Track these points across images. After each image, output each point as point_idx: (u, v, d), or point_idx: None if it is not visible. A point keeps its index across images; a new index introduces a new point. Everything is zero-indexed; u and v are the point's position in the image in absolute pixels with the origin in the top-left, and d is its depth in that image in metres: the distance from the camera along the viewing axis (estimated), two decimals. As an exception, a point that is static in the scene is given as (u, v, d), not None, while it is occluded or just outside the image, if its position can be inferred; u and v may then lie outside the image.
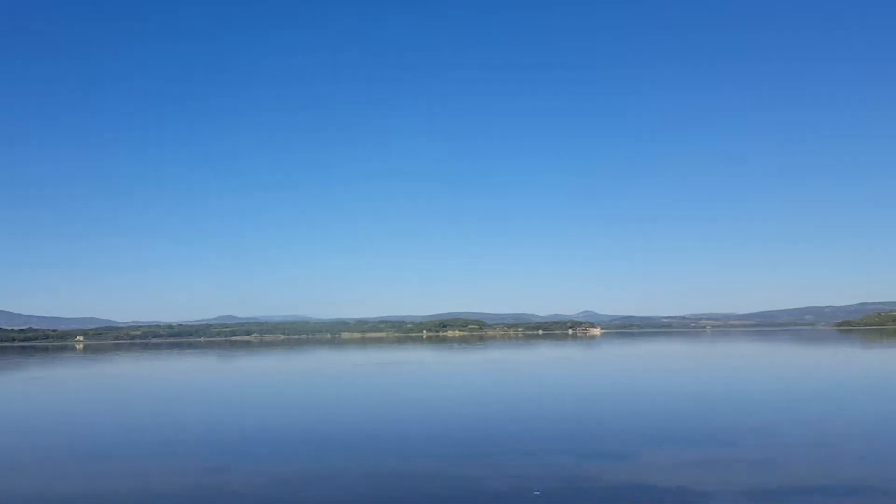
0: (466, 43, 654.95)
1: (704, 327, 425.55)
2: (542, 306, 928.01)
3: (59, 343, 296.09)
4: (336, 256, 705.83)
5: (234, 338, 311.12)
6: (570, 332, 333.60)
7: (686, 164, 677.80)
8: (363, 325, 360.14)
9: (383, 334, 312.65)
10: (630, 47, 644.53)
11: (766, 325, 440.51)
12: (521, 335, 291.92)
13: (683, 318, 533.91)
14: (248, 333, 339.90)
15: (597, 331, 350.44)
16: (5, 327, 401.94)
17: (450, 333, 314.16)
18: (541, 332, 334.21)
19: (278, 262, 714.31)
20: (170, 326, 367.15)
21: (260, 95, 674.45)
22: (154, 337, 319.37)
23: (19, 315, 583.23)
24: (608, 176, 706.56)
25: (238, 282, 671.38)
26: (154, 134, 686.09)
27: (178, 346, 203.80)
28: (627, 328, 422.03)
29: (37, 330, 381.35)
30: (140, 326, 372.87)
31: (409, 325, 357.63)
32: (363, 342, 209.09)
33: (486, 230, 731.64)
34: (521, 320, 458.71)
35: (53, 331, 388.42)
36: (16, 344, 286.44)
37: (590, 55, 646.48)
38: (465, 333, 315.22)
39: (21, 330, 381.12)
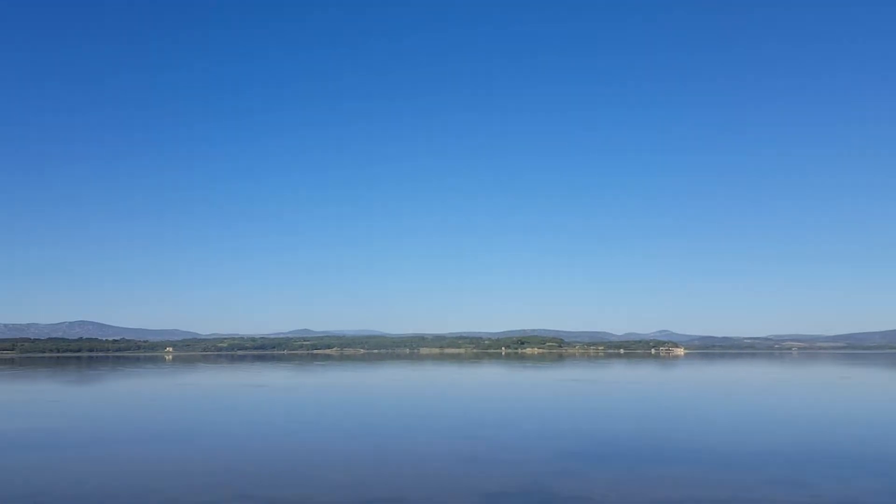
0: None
1: (790, 349, 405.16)
2: (617, 325, 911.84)
3: (150, 354, 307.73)
4: (409, 272, 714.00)
5: (315, 351, 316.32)
6: (653, 351, 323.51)
7: (770, 180, 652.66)
8: (441, 341, 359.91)
9: (461, 350, 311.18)
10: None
11: (857, 349, 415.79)
12: (601, 354, 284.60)
13: (766, 339, 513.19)
14: (329, 347, 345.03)
15: (680, 351, 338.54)
16: (101, 338, 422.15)
17: (528, 351, 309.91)
18: (622, 351, 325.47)
19: (351, 277, 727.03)
20: (252, 339, 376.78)
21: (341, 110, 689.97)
22: (239, 349, 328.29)
23: (110, 326, 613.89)
24: (687, 194, 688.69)
25: (313, 296, 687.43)
26: (236, 150, 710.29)
27: (263, 358, 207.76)
28: (709, 349, 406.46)
29: (129, 341, 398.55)
30: (224, 338, 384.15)
31: (486, 342, 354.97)
32: (441, 357, 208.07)
33: (558, 246, 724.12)
34: (595, 338, 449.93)
35: (144, 341, 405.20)
36: (110, 354, 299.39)
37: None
38: (544, 351, 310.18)
39: (114, 340, 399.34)
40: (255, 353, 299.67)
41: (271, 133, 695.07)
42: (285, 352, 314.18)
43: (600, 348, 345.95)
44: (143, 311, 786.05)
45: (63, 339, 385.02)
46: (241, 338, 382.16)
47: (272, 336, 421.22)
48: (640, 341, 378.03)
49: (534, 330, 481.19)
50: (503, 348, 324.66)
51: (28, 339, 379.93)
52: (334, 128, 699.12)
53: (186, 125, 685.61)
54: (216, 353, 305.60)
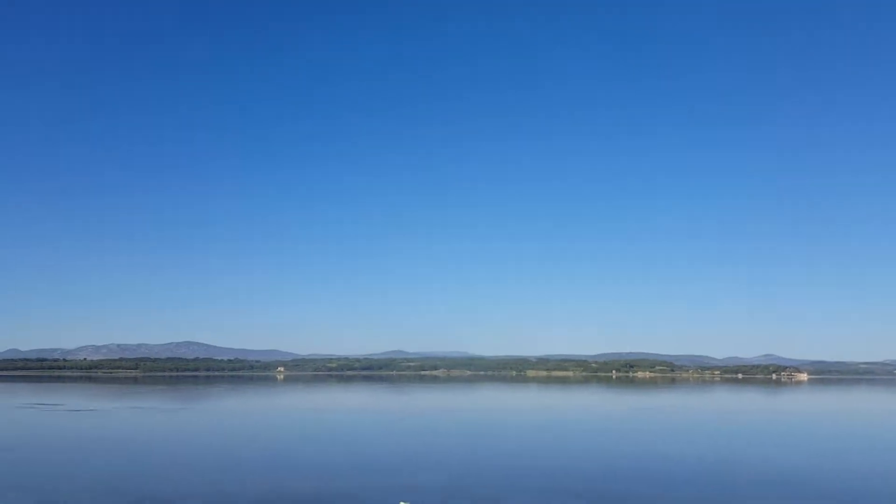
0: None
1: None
2: (718, 348, 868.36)
3: (261, 373, 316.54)
4: (502, 294, 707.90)
5: (422, 372, 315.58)
6: (774, 377, 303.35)
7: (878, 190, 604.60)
8: (546, 364, 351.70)
9: (569, 373, 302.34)
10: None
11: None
12: (717, 379, 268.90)
13: (884, 363, 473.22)
14: (435, 368, 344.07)
15: (804, 377, 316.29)
16: (215, 357, 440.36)
17: (639, 374, 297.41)
18: (740, 376, 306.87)
19: (443, 298, 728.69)
20: (358, 360, 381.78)
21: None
22: (348, 370, 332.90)
23: (215, 347, 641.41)
24: (790, 209, 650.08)
25: (404, 318, 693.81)
26: (330, 171, 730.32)
27: (371, 379, 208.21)
28: (823, 374, 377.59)
29: (241, 360, 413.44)
30: (333, 359, 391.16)
31: (593, 365, 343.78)
32: (549, 380, 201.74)
33: (654, 267, 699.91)
34: (696, 362, 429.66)
35: (256, 361, 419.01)
36: (225, 374, 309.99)
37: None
38: (656, 375, 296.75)
39: (229, 360, 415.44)
40: (364, 373, 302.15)
41: (367, 154, 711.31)
42: (393, 373, 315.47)
43: (716, 373, 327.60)
44: (245, 332, 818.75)
45: (181, 359, 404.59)
46: (348, 358, 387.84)
47: (367, 357, 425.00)
48: (761, 367, 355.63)
49: (630, 353, 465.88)
50: (613, 372, 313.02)
51: (149, 359, 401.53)
52: (429, 148, 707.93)
53: (286, 146, 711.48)
54: (326, 373, 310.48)
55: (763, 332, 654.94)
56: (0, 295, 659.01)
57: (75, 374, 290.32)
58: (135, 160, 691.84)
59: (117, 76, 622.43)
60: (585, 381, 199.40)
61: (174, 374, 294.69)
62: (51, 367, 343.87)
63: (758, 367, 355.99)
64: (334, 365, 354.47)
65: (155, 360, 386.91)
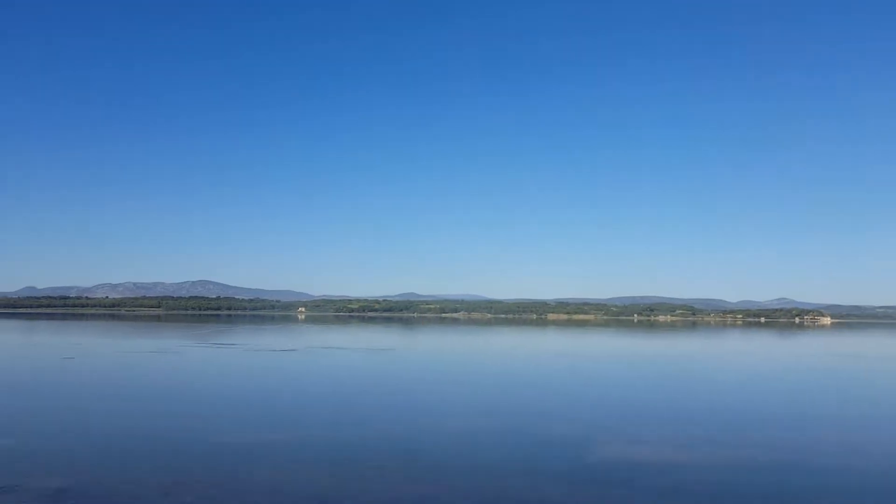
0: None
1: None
2: (731, 292, 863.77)
3: (283, 313, 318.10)
4: (516, 239, 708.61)
5: (443, 315, 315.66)
6: (797, 321, 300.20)
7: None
8: (566, 307, 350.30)
9: (591, 317, 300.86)
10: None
11: None
12: (740, 323, 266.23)
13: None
14: (455, 311, 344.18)
15: (827, 321, 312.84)
16: (236, 297, 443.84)
17: (661, 318, 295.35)
18: (762, 320, 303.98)
19: (456, 242, 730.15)
20: (377, 301, 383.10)
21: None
22: (369, 311, 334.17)
23: (230, 286, 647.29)
24: (804, 159, 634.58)
25: (417, 260, 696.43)
26: (348, 120, 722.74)
27: (391, 320, 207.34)
28: (844, 318, 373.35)
29: (263, 300, 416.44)
30: (353, 300, 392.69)
31: (614, 308, 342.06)
32: (570, 323, 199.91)
33: (666, 211, 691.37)
34: (709, 306, 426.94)
35: (277, 301, 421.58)
36: (247, 313, 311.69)
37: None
38: (677, 318, 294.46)
39: (250, 300, 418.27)
40: (385, 314, 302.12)
41: (392, 103, 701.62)
42: (414, 314, 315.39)
43: (738, 317, 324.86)
44: (259, 273, 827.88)
45: (202, 297, 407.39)
46: (367, 300, 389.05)
47: (384, 298, 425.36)
48: (784, 310, 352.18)
49: (644, 297, 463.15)
50: (635, 315, 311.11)
51: (171, 297, 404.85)
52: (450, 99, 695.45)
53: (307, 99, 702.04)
54: (347, 314, 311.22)
55: (777, 276, 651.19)
56: (15, 234, 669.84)
57: (98, 311, 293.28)
58: (152, 102, 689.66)
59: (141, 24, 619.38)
60: (607, 324, 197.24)
61: (196, 312, 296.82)
62: (74, 305, 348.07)
63: (780, 310, 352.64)
64: (356, 306, 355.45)
65: (177, 298, 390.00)
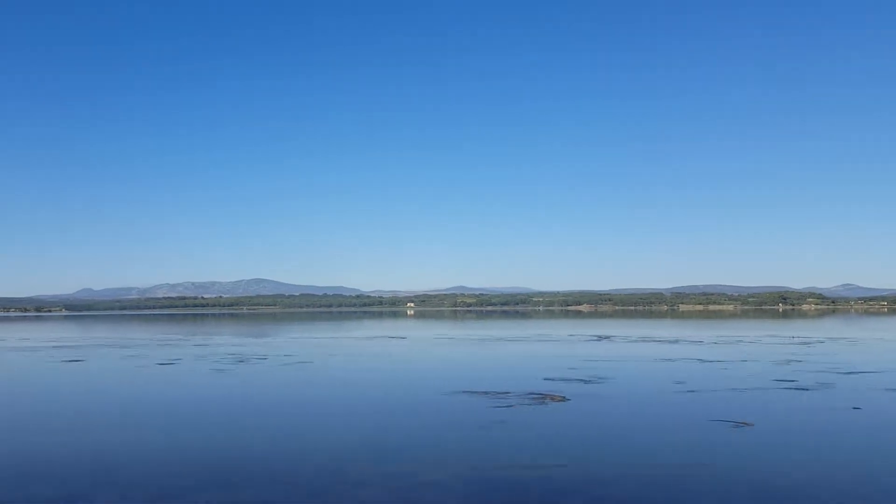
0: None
1: None
2: (794, 278, 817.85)
3: (391, 309, 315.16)
4: (562, 232, 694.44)
5: (566, 308, 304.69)
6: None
7: None
8: (694, 298, 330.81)
9: (728, 307, 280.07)
10: None
11: None
12: (885, 310, 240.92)
13: None
14: (578, 304, 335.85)
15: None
16: (344, 294, 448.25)
17: (805, 307, 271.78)
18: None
19: (506, 237, 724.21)
20: (496, 296, 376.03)
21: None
22: (487, 305, 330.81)
23: (284, 283, 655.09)
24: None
25: (468, 254, 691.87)
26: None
27: (507, 314, 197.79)
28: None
29: (370, 296, 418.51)
30: (468, 294, 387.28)
31: (751, 298, 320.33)
32: (707, 315, 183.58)
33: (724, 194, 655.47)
34: (775, 292, 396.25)
35: (381, 298, 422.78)
36: (357, 309, 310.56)
37: None
38: (822, 308, 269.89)
39: (357, 296, 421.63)
40: (501, 308, 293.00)
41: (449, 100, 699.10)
42: (529, 308, 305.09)
43: (884, 304, 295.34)
44: (308, 270, 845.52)
45: (314, 296, 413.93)
46: (482, 294, 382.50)
47: (432, 293, 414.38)
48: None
49: (707, 285, 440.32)
50: (780, 305, 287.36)
51: (283, 296, 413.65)
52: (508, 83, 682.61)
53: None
54: (465, 308, 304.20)
55: (841, 262, 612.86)
56: (70, 237, 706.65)
57: (219, 311, 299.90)
58: (207, 105, 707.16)
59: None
60: (745, 315, 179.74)
61: (309, 309, 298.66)
62: (195, 305, 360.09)
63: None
64: (473, 300, 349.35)
65: (289, 297, 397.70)
